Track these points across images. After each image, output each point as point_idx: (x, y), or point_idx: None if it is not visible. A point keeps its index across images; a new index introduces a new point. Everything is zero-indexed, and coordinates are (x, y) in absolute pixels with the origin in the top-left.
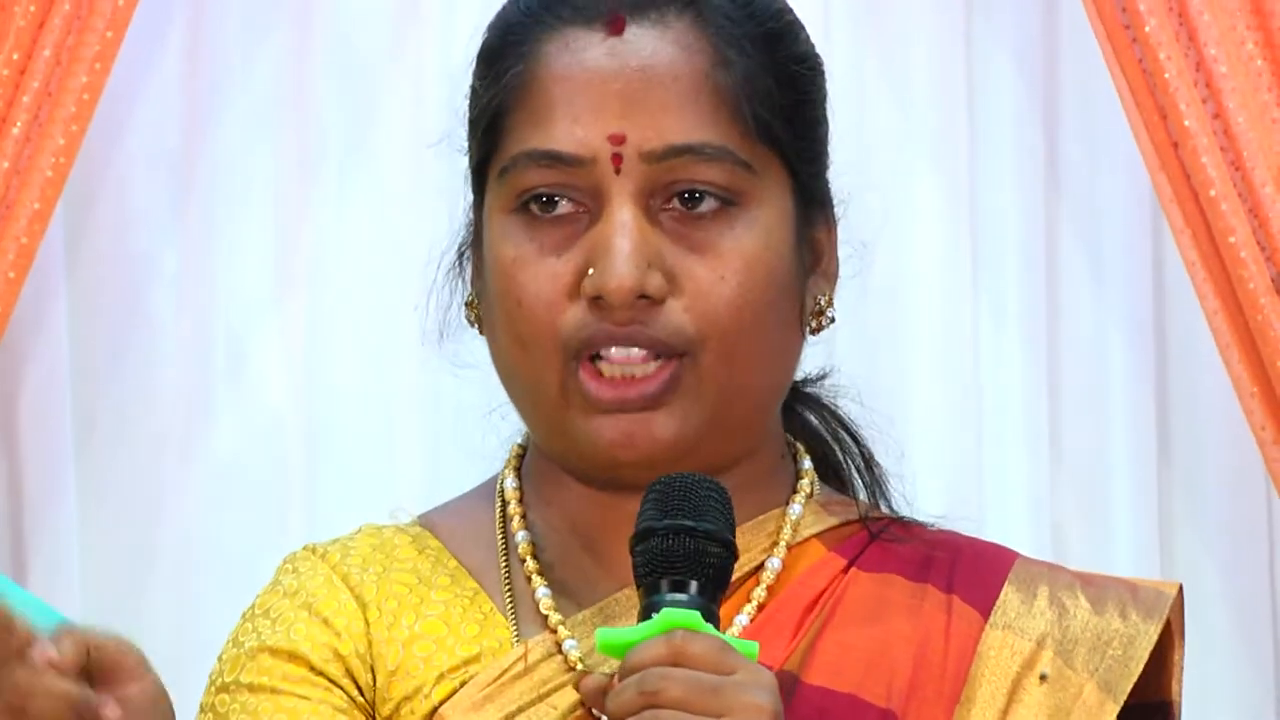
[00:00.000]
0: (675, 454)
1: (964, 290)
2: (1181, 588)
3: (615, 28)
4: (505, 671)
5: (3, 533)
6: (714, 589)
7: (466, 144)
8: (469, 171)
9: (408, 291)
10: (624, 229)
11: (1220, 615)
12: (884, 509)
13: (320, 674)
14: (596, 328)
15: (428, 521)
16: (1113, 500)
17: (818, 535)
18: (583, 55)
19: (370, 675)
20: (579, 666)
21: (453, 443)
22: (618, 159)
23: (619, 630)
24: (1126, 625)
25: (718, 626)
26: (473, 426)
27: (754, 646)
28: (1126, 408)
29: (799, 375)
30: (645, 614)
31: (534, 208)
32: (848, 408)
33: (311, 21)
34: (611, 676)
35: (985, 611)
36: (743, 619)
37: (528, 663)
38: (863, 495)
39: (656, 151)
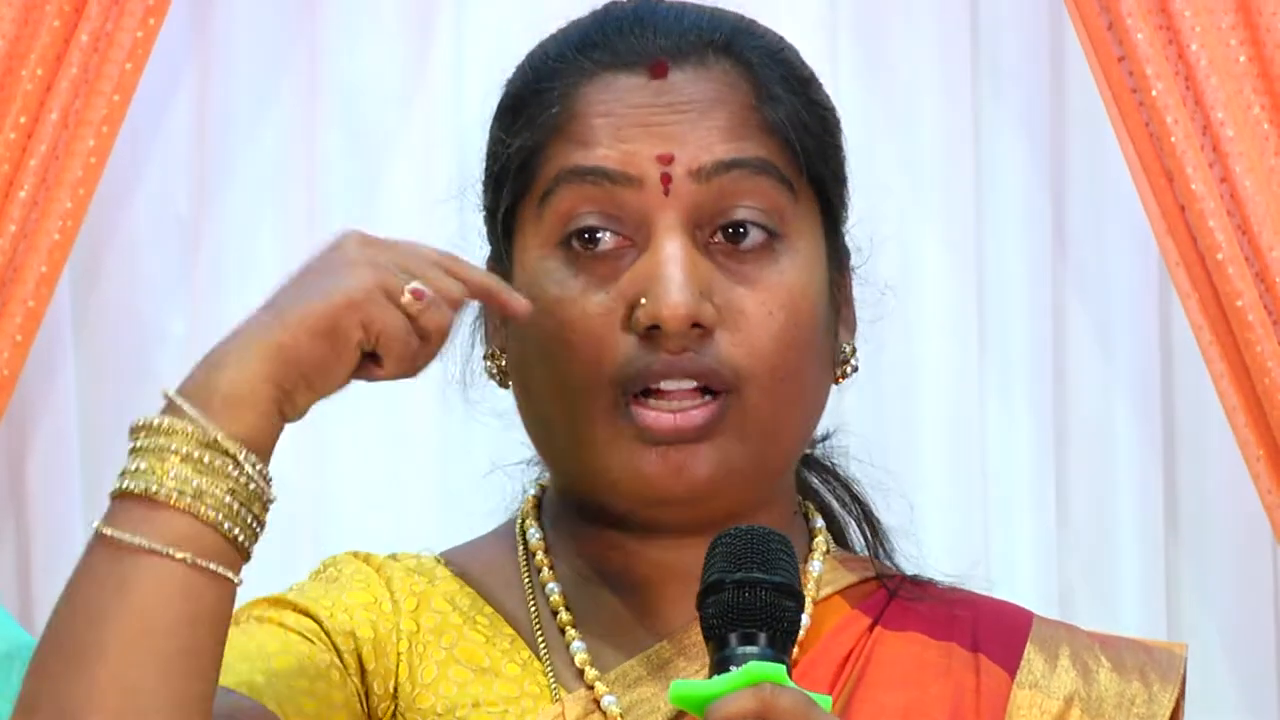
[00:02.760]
0: (717, 489)
1: (971, 354)
2: (1186, 648)
3: (658, 71)
4: None
5: (10, 596)
6: (786, 642)
7: (485, 198)
8: (493, 223)
9: None
10: (675, 257)
11: (1226, 682)
12: (892, 567)
13: (328, 634)
14: (650, 359)
15: (455, 565)
16: (1120, 566)
17: (840, 592)
18: (626, 94)
19: (387, 662)
20: None
21: (464, 494)
22: (667, 179)
23: (697, 683)
24: (1147, 687)
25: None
26: (487, 479)
27: (828, 700)
28: (1133, 472)
29: None
30: (719, 668)
31: (576, 244)
32: (848, 468)
33: (318, 87)
34: None
35: (1011, 670)
36: None
37: None
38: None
39: (706, 168)
